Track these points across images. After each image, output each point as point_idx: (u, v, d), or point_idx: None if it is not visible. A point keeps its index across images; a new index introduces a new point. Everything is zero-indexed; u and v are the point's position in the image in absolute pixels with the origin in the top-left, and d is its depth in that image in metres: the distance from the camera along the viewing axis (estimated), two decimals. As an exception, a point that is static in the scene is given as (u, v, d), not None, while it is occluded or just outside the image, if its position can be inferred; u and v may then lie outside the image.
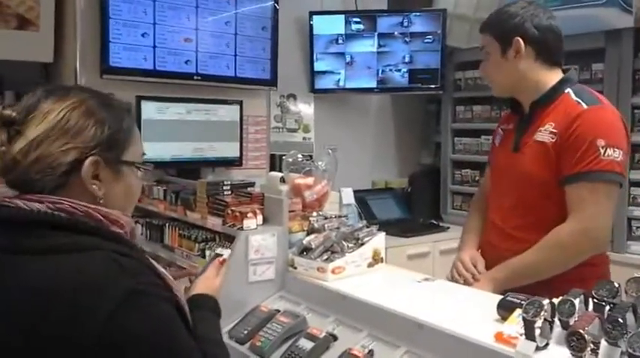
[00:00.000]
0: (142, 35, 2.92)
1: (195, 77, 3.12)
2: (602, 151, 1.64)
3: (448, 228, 3.69)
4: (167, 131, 2.98)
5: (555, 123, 1.72)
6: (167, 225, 2.39)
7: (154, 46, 2.97)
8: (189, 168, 3.06)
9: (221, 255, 1.50)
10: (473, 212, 2.13)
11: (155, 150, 2.90)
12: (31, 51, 2.72)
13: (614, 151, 1.64)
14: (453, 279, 1.90)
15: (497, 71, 1.86)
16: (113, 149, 1.06)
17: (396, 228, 3.40)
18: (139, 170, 1.13)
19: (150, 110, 2.92)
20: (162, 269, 1.09)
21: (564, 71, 1.84)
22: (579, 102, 1.72)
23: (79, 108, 1.03)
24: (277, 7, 3.39)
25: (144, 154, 1.17)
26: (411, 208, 3.97)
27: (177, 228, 2.30)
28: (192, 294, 1.35)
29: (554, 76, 1.81)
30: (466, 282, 1.84)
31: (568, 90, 1.77)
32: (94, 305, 0.90)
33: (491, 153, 2.08)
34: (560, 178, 1.70)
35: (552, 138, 1.71)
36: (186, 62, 3.08)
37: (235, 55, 3.27)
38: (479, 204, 2.10)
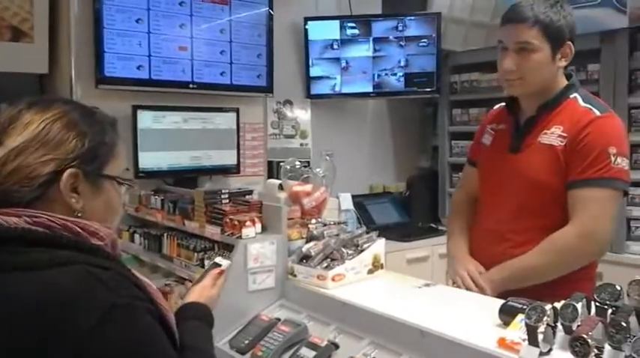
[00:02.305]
0: (137, 44, 2.92)
1: (191, 85, 3.12)
2: (612, 159, 1.64)
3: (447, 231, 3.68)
4: (164, 140, 2.97)
5: (564, 127, 1.70)
6: (165, 234, 2.38)
7: (149, 55, 2.97)
8: (186, 177, 3.05)
9: (219, 265, 1.49)
10: (457, 214, 2.05)
11: (152, 159, 2.89)
12: (26, 62, 2.72)
13: (622, 160, 1.65)
14: (455, 285, 1.87)
15: (540, 71, 1.73)
16: (94, 162, 1.04)
17: (394, 233, 3.40)
18: (120, 185, 1.11)
19: (146, 119, 2.91)
20: (145, 280, 1.06)
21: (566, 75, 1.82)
22: (590, 109, 1.70)
23: (61, 120, 1.01)
24: (272, 13, 3.39)
25: (127, 169, 1.15)
26: (410, 212, 3.97)
27: (175, 238, 2.29)
28: (186, 302, 1.35)
29: (563, 79, 1.79)
30: (468, 290, 1.80)
31: (575, 95, 1.76)
32: (73, 321, 0.88)
33: (477, 153, 1.99)
34: (566, 182, 1.69)
35: (561, 142, 1.69)
36: (182, 71, 3.08)
37: (231, 63, 3.26)
38: (462, 206, 2.04)
